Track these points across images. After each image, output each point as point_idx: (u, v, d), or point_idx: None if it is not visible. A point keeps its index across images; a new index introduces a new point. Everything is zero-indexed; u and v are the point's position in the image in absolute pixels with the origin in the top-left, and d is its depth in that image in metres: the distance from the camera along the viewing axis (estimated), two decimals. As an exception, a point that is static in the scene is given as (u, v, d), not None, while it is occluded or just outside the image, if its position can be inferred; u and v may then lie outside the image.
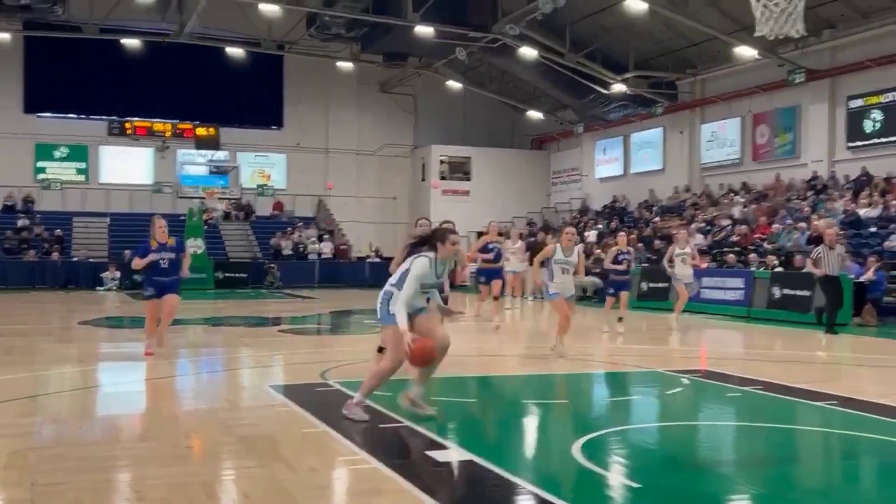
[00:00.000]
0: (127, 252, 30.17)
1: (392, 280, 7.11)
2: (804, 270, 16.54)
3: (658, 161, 31.78)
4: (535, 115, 35.79)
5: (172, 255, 10.86)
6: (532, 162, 38.15)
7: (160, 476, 5.35)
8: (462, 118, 37.38)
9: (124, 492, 5.17)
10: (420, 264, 6.94)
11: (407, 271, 6.94)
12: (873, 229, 20.26)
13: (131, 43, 31.40)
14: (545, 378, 10.11)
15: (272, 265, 30.83)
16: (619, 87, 29.39)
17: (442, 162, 36.94)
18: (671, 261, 16.03)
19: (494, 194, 35.95)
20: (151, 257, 10.67)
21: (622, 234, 17.40)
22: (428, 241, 7.14)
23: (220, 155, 34.93)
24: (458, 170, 37.21)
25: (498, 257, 15.98)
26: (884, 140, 23.50)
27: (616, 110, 31.58)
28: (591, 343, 14.32)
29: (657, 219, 28.37)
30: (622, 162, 33.73)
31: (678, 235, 16.74)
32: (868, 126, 23.95)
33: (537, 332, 16.75)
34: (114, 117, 34.64)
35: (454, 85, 34.92)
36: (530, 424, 7.44)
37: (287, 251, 32.34)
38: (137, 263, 10.77)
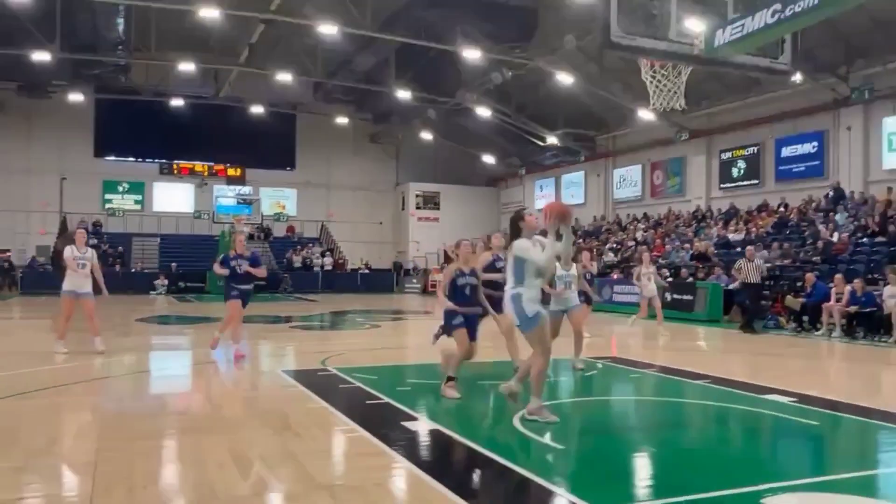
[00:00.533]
0: (174, 264, 29.90)
1: (510, 284, 5.66)
2: (733, 277, 15.94)
3: (581, 196, 32.07)
4: (489, 160, 35.98)
5: (247, 264, 9.67)
6: (487, 196, 38.30)
7: (194, 442, 5.32)
8: (433, 162, 37.48)
9: (167, 455, 5.14)
10: (519, 245, 5.59)
11: (516, 266, 5.56)
12: (738, 249, 20.61)
13: (178, 103, 31.11)
14: (494, 364, 10.10)
15: (286, 275, 30.61)
16: (552, 140, 29.65)
17: (417, 195, 36.97)
18: (639, 278, 14.28)
19: (458, 220, 36.05)
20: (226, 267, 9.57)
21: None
22: (513, 231, 5.74)
23: (246, 189, 34.65)
24: (430, 202, 37.26)
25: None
26: (746, 183, 23.97)
27: (550, 158, 31.85)
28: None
29: (581, 241, 28.59)
30: (554, 197, 33.96)
31: (643, 257, 15.00)
32: (735, 172, 24.41)
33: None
34: (164, 160, 34.30)
35: (427, 136, 35.03)
36: (483, 401, 7.47)
37: (297, 264, 32.10)
38: (218, 270, 9.62)
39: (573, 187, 32.72)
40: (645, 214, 27.53)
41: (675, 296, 17.72)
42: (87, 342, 10.26)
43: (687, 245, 21.73)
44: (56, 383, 7.55)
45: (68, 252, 9.83)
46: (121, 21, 23.48)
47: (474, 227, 36.18)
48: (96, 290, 9.96)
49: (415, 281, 32.24)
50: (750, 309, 14.69)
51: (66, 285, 9.84)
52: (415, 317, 19.01)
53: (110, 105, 31.88)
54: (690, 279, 18.72)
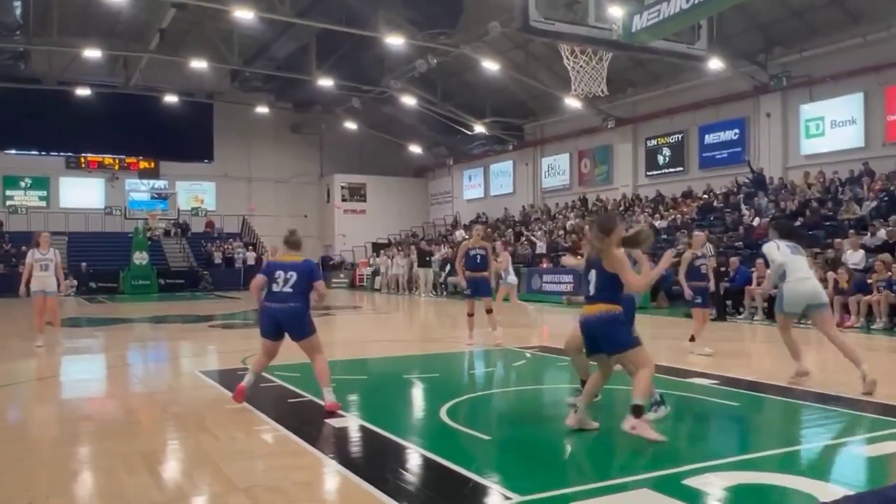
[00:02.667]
0: (84, 264, 28.68)
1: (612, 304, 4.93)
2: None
3: (510, 186, 32.47)
4: (416, 150, 35.99)
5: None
6: (414, 187, 38.32)
7: (104, 449, 5.14)
8: (359, 152, 37.21)
9: (74, 464, 4.93)
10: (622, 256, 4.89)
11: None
12: (665, 235, 21.31)
13: (84, 92, 29.81)
14: (423, 358, 10.18)
15: (205, 272, 29.82)
16: (479, 129, 29.87)
17: (343, 187, 36.64)
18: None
19: (385, 212, 35.99)
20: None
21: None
22: (634, 239, 5.05)
23: (161, 183, 33.54)
24: (356, 193, 37.00)
25: (484, 264, 11.00)
26: (671, 170, 24.79)
27: (478, 147, 32.09)
28: (459, 329, 14.50)
29: (508, 231, 28.95)
30: (483, 187, 34.30)
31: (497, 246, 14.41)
32: (660, 159, 25.21)
33: (427, 322, 16.86)
34: (70, 153, 32.92)
35: (352, 126, 34.73)
36: (408, 394, 7.49)
37: (217, 260, 31.33)
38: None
39: (502, 177, 33.09)
40: (582, 199, 27.84)
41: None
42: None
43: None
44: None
45: (30, 257, 11.01)
46: (18, 4, 22.30)
47: (402, 219, 36.22)
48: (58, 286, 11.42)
49: (342, 275, 31.96)
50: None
51: (35, 286, 11.07)
52: (342, 312, 18.86)
53: (9, 94, 30.23)
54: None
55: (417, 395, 7.44)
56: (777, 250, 7.16)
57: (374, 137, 36.00)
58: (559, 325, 15.17)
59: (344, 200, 36.46)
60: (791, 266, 7.06)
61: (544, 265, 21.97)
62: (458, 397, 6.79)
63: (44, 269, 11.03)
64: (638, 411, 4.86)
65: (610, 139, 27.06)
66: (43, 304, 11.11)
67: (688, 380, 7.52)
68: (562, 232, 25.16)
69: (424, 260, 25.61)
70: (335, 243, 35.53)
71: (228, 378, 7.92)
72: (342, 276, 32.10)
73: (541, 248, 24.34)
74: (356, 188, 36.93)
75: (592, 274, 5.05)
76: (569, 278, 19.61)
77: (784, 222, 8.73)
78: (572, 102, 25.71)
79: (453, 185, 36.44)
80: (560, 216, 27.51)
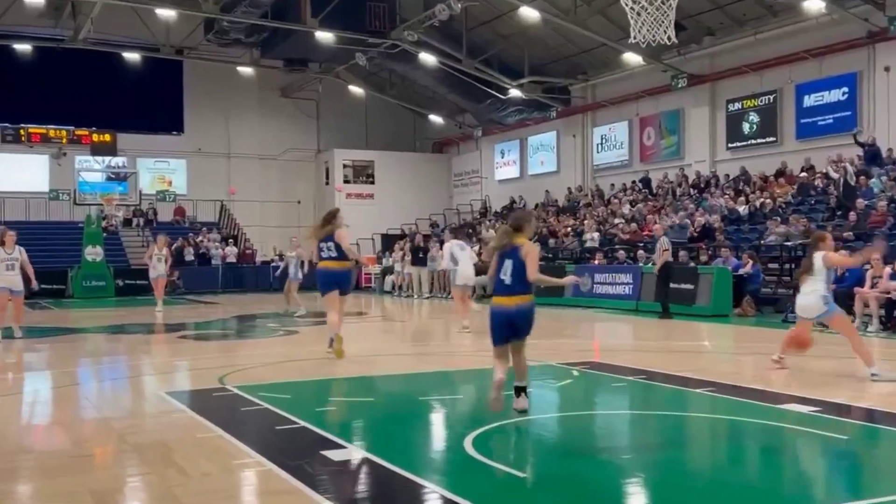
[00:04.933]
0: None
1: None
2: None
3: (553, 163, 32.36)
4: (435, 119, 35.97)
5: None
6: (434, 165, 38.34)
7: (45, 487, 5.17)
8: (364, 122, 37.28)
9: (10, 505, 4.98)
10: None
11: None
12: (751, 225, 21.09)
13: (24, 48, 30.17)
14: (440, 375, 10.16)
15: (175, 271, 30.02)
16: (515, 93, 29.79)
17: (346, 166, 36.75)
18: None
19: (398, 197, 36.03)
20: None
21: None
22: None
23: (119, 161, 33.84)
24: (362, 173, 37.09)
25: None
26: (760, 140, 24.52)
27: (513, 114, 32.00)
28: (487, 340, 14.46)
29: (553, 218, 28.86)
30: (519, 164, 34.23)
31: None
32: (746, 128, 24.95)
33: (435, 331, 16.88)
34: (6, 124, 33.32)
35: (356, 90, 34.78)
36: (425, 420, 7.48)
37: (190, 257, 31.54)
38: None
39: (543, 151, 32.99)
40: (644, 180, 27.61)
41: (674, 285, 18.02)
42: None
43: (686, 221, 22.13)
44: None
45: None
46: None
47: (420, 205, 36.23)
48: (27, 282, 13.79)
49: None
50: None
51: (1, 283, 13.35)
52: (347, 319, 18.89)
53: (-70, 52, 30.76)
54: (691, 264, 19.08)
55: (437, 421, 7.43)
56: None
57: (384, 103, 36.04)
58: (613, 337, 15.10)
59: (346, 182, 36.56)
60: None
61: (596, 262, 21.85)
62: (486, 424, 6.76)
63: (10, 268, 13.37)
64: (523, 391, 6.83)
65: (681, 102, 26.84)
66: (6, 301, 13.48)
67: (780, 406, 7.43)
68: (619, 221, 25.02)
69: (418, 257, 25.75)
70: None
71: (201, 401, 7.97)
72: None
73: (592, 240, 24.22)
74: (362, 167, 37.02)
75: (508, 265, 6.58)
76: (628, 278, 19.49)
77: None
78: (632, 56, 25.51)
79: (482, 162, 36.40)
80: (616, 200, 27.36)
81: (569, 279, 8.20)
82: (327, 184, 36.93)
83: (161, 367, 11.23)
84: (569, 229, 26.19)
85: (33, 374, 10.84)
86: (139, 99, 33.75)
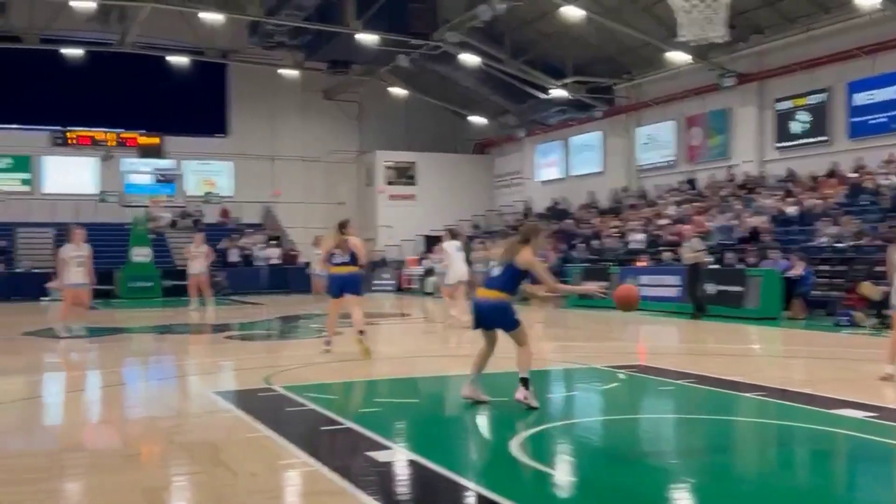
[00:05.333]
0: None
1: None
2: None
3: (597, 163, 32.14)
4: (477, 120, 35.93)
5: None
6: (476, 166, 38.30)
7: (98, 484, 5.26)
8: (406, 124, 37.36)
9: (63, 501, 5.07)
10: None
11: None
12: (800, 226, 20.74)
13: (73, 52, 30.75)
14: (484, 377, 10.13)
15: (219, 273, 30.38)
16: (558, 93, 29.65)
17: (388, 167, 36.86)
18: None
19: (439, 198, 36.04)
20: None
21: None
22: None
23: (165, 163, 34.41)
24: (404, 174, 37.18)
25: None
26: (810, 140, 24.10)
27: (556, 115, 31.84)
28: (533, 341, 14.45)
29: (597, 220, 28.67)
30: (562, 165, 34.06)
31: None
32: (796, 127, 24.53)
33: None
34: (56, 127, 33.99)
35: (398, 91, 34.89)
36: (470, 422, 7.48)
37: (235, 258, 31.93)
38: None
39: (587, 152, 32.79)
40: (692, 180, 27.30)
41: (721, 287, 17.81)
42: None
43: (734, 221, 21.85)
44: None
45: (64, 252, 14.01)
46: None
47: (461, 206, 36.24)
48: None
49: (387, 276, 32.19)
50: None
51: (74, 279, 13.91)
52: (388, 321, 19.01)
53: (-16, 56, 31.53)
54: (740, 266, 18.84)
55: (481, 423, 7.42)
56: None
57: (426, 105, 36.11)
58: (659, 340, 14.96)
59: (389, 183, 36.69)
60: None
61: (641, 263, 21.67)
62: (532, 427, 6.77)
63: (80, 265, 14.05)
64: (525, 383, 7.49)
65: (728, 101, 26.49)
66: (76, 296, 14.08)
67: (833, 411, 7.29)
68: (664, 222, 24.78)
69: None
70: (378, 236, 35.81)
71: (248, 401, 8.06)
72: (387, 276, 32.33)
73: (636, 242, 24.01)
74: (404, 168, 37.12)
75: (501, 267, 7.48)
76: (674, 280, 19.29)
77: None
78: (678, 55, 25.23)
79: (524, 163, 36.29)
80: (661, 201, 27.09)
81: (588, 287, 8.78)
82: (369, 185, 37.09)
83: (207, 367, 11.38)
84: (613, 231, 25.99)
85: (81, 374, 11.05)
86: (185, 102, 34.15)
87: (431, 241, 33.14)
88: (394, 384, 9.44)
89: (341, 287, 11.35)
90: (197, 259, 20.64)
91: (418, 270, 30.97)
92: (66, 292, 14.21)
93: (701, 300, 17.36)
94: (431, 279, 28.79)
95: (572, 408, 8.27)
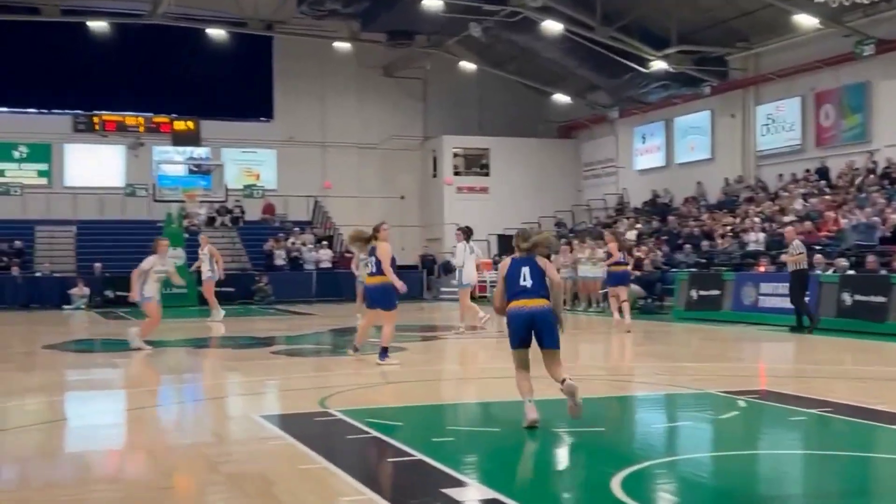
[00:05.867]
0: (98, 265, 30.29)
1: None
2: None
3: (706, 149, 31.66)
4: (562, 98, 35.71)
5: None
6: (560, 153, 38.06)
7: (136, 522, 5.35)
8: (478, 104, 37.37)
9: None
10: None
11: None
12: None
13: (98, 25, 31.48)
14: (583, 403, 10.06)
15: (263, 278, 30.83)
16: (659, 65, 29.28)
17: (456, 155, 36.92)
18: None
19: (517, 191, 35.96)
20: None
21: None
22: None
23: (201, 152, 34.93)
24: (476, 163, 37.19)
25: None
26: (969, 120, 23.37)
27: (656, 91, 31.44)
28: (633, 360, 14.31)
29: (707, 216, 28.23)
30: (664, 151, 33.63)
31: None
32: (950, 104, 23.81)
33: (586, 351, 16.77)
34: (79, 111, 34.76)
35: (468, 66, 34.90)
36: (562, 456, 7.42)
37: (280, 261, 32.34)
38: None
39: (693, 135, 32.31)
40: (823, 168, 26.70)
41: (858, 296, 17.36)
42: None
43: (875, 219, 21.31)
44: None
45: (147, 263, 14.60)
46: None
47: (543, 201, 36.08)
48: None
49: (454, 282, 32.19)
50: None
51: (149, 292, 14.73)
52: (457, 335, 19.00)
53: (-1, 31, 32.52)
54: (882, 271, 18.35)
55: (576, 457, 7.35)
56: None
57: (501, 81, 36.06)
58: (784, 360, 14.65)
59: (457, 174, 36.74)
60: None
61: (761, 269, 21.25)
62: (637, 463, 6.69)
63: (159, 280, 14.93)
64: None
65: (867, 73, 25.82)
66: (157, 312, 14.93)
67: None
68: (789, 218, 24.25)
69: None
70: (444, 236, 35.89)
71: (301, 426, 8.12)
72: (454, 283, 32.31)
73: (755, 243, 23.58)
74: (475, 156, 37.13)
75: (526, 272, 7.97)
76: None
77: None
78: (806, 19, 24.70)
79: (619, 148, 35.95)
80: (785, 194, 26.54)
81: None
82: (434, 176, 37.19)
83: (252, 386, 11.51)
84: (726, 229, 25.56)
85: (110, 393, 11.29)
86: (224, 81, 34.69)
87: (507, 242, 33.08)
88: (468, 409, 9.44)
89: (371, 298, 12.55)
90: (202, 263, 21.96)
91: (493, 276, 30.92)
92: (147, 306, 14.92)
93: (808, 312, 17.15)
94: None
95: (684, 441, 8.14)
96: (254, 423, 8.54)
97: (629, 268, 19.34)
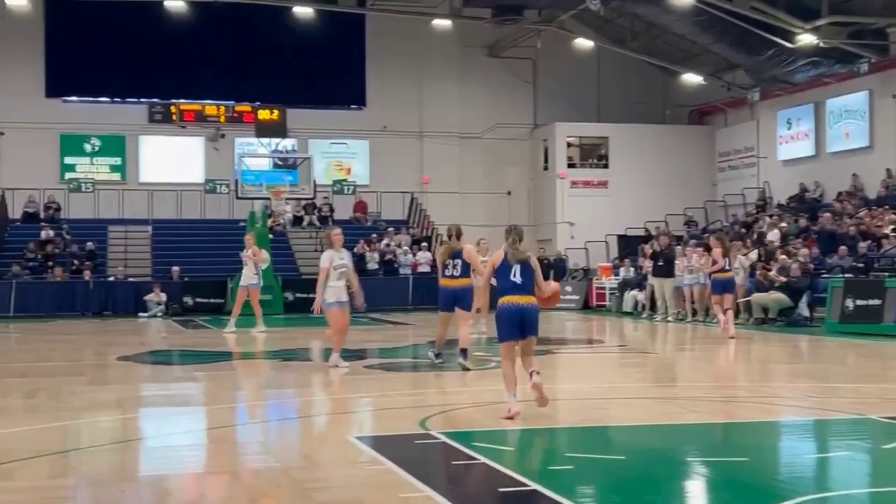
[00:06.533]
0: (176, 268, 30.91)
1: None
2: None
3: (863, 136, 30.87)
4: (693, 79, 35.22)
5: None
6: (691, 141, 37.55)
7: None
8: (596, 87, 37.16)
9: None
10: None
11: None
12: None
13: (175, 5, 32.23)
14: (715, 428, 9.87)
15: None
16: (807, 39, 28.72)
17: (570, 144, 36.77)
18: None
19: (640, 185, 35.60)
20: None
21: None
22: None
23: (287, 143, 35.43)
24: (593, 154, 37.01)
25: None
26: None
27: (804, 70, 30.83)
28: (780, 380, 14.01)
29: (863, 213, 27.50)
30: (813, 138, 32.91)
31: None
32: None
33: (694, 367, 16.52)
34: (155, 100, 35.68)
35: (585, 44, 34.69)
36: (699, 489, 7.28)
37: (373, 265, 32.54)
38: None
39: (849, 119, 31.55)
40: None
41: None
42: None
43: None
44: (4, 459, 7.94)
45: (326, 260, 14.25)
46: None
47: (672, 195, 35.57)
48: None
49: (569, 289, 32.04)
50: None
51: (331, 296, 14.26)
52: (572, 349, 18.87)
53: (69, 15, 33.53)
54: None
55: (715, 490, 7.19)
56: None
57: (623, 61, 35.75)
58: None
59: (571, 166, 36.55)
60: None
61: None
62: (786, 499, 6.49)
63: (341, 277, 14.44)
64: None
65: None
66: (337, 317, 14.40)
67: None
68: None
69: (658, 265, 25.17)
70: (556, 237, 35.74)
71: (401, 449, 8.14)
72: (569, 289, 32.17)
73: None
74: (592, 146, 36.88)
75: (517, 269, 9.52)
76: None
77: None
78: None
79: (760, 136, 35.32)
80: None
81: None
82: (546, 169, 37.09)
83: (346, 404, 11.60)
84: (888, 229, 24.86)
85: (189, 410, 11.49)
86: (312, 65, 35.22)
87: (629, 244, 32.76)
88: (587, 434, 9.34)
89: (455, 300, 13.74)
90: (246, 266, 22.14)
91: (612, 282, 30.67)
92: (329, 313, 14.31)
93: None
94: (631, 294, 28.46)
95: (839, 473, 7.91)
96: (348, 445, 8.58)
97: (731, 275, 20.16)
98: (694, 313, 24.29)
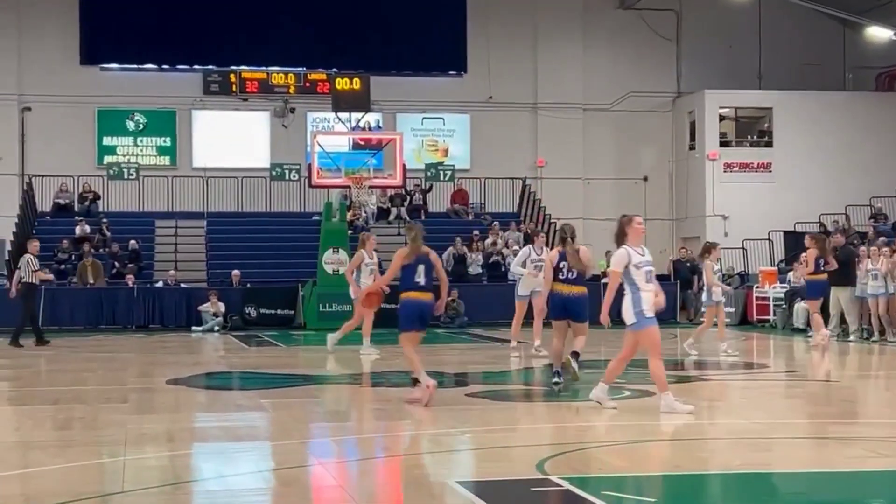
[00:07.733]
0: (236, 272, 31.15)
1: None
2: None
3: None
4: (881, 33, 34.60)
5: None
6: (879, 113, 36.95)
7: None
8: (756, 46, 36.69)
9: None
10: None
11: None
12: None
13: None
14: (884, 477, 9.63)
15: (451, 291, 31.12)
16: None
17: (724, 118, 36.40)
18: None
19: (813, 169, 35.14)
20: None
21: None
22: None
23: (371, 119, 35.49)
24: (751, 129, 36.63)
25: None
26: None
27: None
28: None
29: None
30: None
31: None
32: None
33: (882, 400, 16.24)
34: (212, 67, 36.22)
35: (742, -8, 34.40)
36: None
37: (475, 268, 32.56)
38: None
39: None
40: None
41: None
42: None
43: None
44: (56, 496, 8.12)
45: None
46: None
47: (855, 181, 34.98)
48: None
49: (721, 297, 31.66)
50: None
51: (521, 289, 19.17)
52: (730, 373, 18.70)
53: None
54: None
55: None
56: None
57: (791, 11, 35.41)
58: None
59: (725, 145, 36.17)
60: None
61: None
62: None
63: (370, 274, 18.43)
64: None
65: None
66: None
67: None
68: None
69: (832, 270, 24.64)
70: (705, 233, 35.37)
71: (514, 498, 8.14)
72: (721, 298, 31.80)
73: None
74: (751, 120, 36.52)
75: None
76: None
77: None
78: None
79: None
80: None
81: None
82: (692, 148, 36.77)
83: (444, 440, 11.60)
84: None
85: (254, 446, 11.60)
86: (401, 25, 35.39)
87: (800, 242, 32.23)
88: (748, 480, 9.21)
89: (570, 310, 14.65)
90: (370, 274, 21.33)
91: (778, 291, 30.20)
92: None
93: None
94: (801, 305, 27.99)
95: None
96: (449, 492, 8.57)
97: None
98: (882, 331, 23.71)
